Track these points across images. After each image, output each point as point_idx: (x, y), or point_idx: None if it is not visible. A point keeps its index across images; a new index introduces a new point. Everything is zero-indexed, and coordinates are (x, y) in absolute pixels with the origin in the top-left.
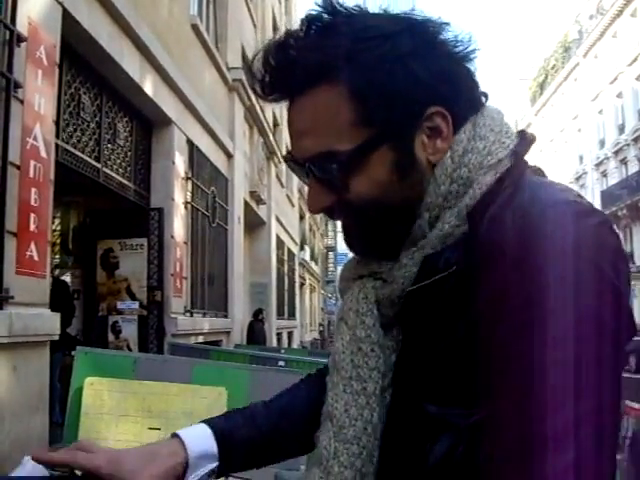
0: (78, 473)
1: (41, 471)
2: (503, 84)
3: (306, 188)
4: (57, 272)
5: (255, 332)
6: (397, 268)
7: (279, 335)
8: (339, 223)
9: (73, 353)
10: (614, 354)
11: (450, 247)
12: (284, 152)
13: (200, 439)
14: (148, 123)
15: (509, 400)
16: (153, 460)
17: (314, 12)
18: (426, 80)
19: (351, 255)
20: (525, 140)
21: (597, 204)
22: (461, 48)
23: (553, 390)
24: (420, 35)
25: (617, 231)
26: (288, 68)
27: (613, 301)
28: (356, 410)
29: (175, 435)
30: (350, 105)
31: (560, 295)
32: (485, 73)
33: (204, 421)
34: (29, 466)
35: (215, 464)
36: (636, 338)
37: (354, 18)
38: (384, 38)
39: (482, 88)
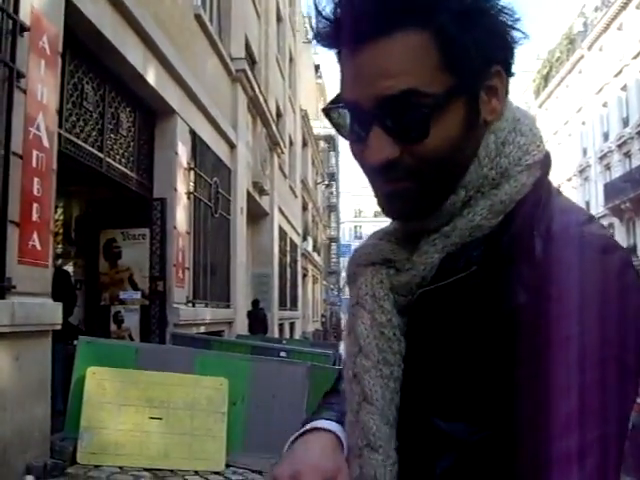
0: (79, 461)
1: None
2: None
3: (310, 179)
4: (59, 262)
5: (252, 321)
6: (417, 255)
7: (281, 326)
8: (342, 214)
9: (75, 343)
10: (623, 384)
11: (474, 243)
12: (287, 144)
13: (339, 427)
14: (151, 113)
15: (516, 422)
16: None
17: None
18: (497, 37)
19: (355, 246)
20: (549, 157)
21: (600, 197)
22: (511, 15)
23: (559, 417)
24: None
25: (633, 266)
26: (377, 7)
27: (625, 331)
28: (389, 394)
29: (321, 428)
30: (439, 48)
31: (572, 324)
32: None
33: (320, 418)
34: None
35: None
36: None
37: None
38: None
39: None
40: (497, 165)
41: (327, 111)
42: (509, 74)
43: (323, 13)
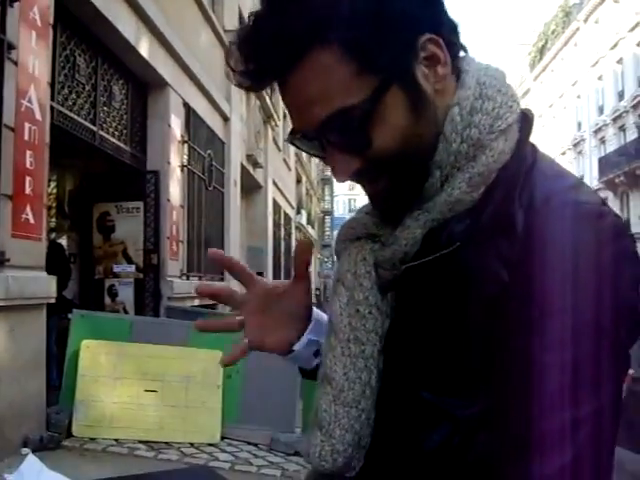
0: (75, 434)
1: (40, 467)
2: (502, 49)
3: (304, 153)
4: (53, 235)
5: None
6: (400, 230)
7: None
8: (336, 187)
9: (70, 316)
10: (614, 356)
11: (456, 218)
12: (281, 117)
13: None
14: (144, 86)
15: (510, 398)
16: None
17: None
18: (410, 10)
19: (349, 217)
20: (527, 118)
21: (595, 171)
22: None
23: (551, 391)
24: None
25: (628, 233)
26: (271, 47)
27: (614, 302)
28: (354, 373)
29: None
30: (348, 57)
31: (560, 297)
32: (484, 38)
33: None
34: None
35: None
36: None
37: None
38: None
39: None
40: (468, 137)
41: (291, 140)
42: (449, 31)
43: (237, 69)
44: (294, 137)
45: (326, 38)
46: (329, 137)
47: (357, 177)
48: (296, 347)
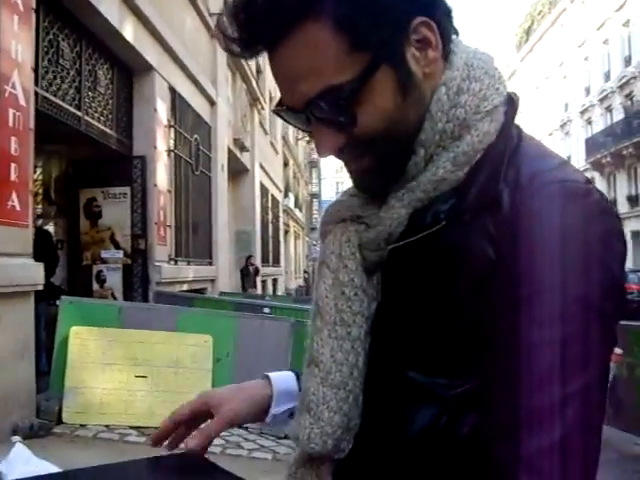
0: (65, 421)
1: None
2: (488, 30)
3: (290, 135)
4: (40, 222)
5: (244, 277)
6: (384, 210)
7: (264, 282)
8: (324, 170)
9: (58, 303)
10: (602, 333)
11: (441, 197)
12: (267, 100)
13: (285, 378)
14: (129, 70)
15: (498, 376)
16: (242, 390)
17: None
18: None
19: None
20: (513, 101)
21: (581, 152)
22: None
23: (540, 369)
24: None
25: (614, 211)
26: (264, 15)
27: (602, 279)
28: (342, 355)
29: (265, 376)
30: (339, 34)
31: (548, 274)
32: (470, 19)
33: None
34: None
35: (295, 404)
36: None
37: None
38: None
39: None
40: (454, 117)
41: (277, 112)
42: (443, 15)
43: (230, 36)
44: (281, 109)
45: (319, 12)
46: (316, 113)
47: (341, 153)
48: (267, 420)
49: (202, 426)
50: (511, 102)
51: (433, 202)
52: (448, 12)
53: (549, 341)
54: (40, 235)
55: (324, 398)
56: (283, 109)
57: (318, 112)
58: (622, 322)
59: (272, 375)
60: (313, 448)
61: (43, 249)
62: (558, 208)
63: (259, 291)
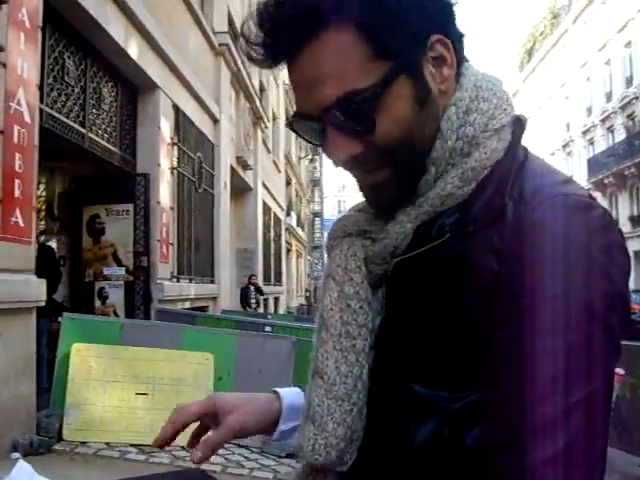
0: (65, 438)
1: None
2: (491, 50)
3: (293, 154)
4: (43, 238)
5: (243, 296)
6: (392, 224)
7: (265, 301)
8: (326, 189)
9: (60, 319)
10: (606, 342)
11: (446, 212)
12: (270, 119)
13: (293, 394)
14: (133, 88)
15: (501, 387)
16: (251, 401)
17: None
18: (426, 7)
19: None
20: (520, 121)
21: (584, 172)
22: None
23: (543, 378)
24: None
25: (616, 225)
26: (290, 20)
27: (605, 288)
28: (346, 367)
29: (273, 391)
30: (362, 41)
31: (551, 284)
32: (473, 39)
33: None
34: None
35: None
36: None
37: None
38: None
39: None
40: (463, 135)
41: (290, 125)
42: (456, 38)
43: (252, 40)
44: (295, 119)
45: (343, 19)
46: (334, 119)
47: (355, 164)
48: (274, 436)
49: (206, 436)
50: (519, 123)
51: (438, 216)
52: (461, 36)
53: (552, 350)
54: (43, 251)
55: (328, 410)
56: (297, 119)
57: (337, 118)
58: (624, 342)
59: (281, 391)
60: (317, 459)
61: (46, 265)
62: (561, 219)
63: (261, 309)
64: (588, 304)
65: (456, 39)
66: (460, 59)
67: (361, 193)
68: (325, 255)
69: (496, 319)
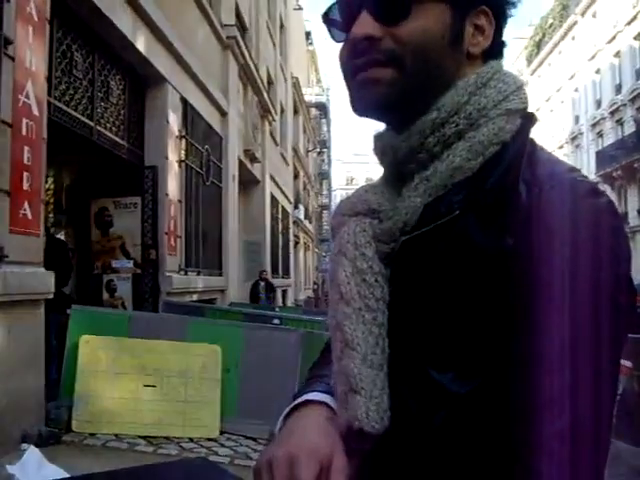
0: (74, 429)
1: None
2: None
3: (301, 146)
4: (53, 231)
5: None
6: (400, 200)
7: (273, 293)
8: (334, 181)
9: (68, 311)
10: (613, 321)
11: (455, 188)
12: (278, 111)
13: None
14: (141, 81)
15: (509, 366)
16: (338, 441)
17: None
18: None
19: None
20: (532, 116)
21: (592, 165)
22: None
23: (552, 353)
24: None
25: (621, 215)
26: None
27: (612, 266)
28: (373, 339)
29: (313, 401)
30: None
31: (561, 261)
32: None
33: (312, 390)
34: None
35: None
36: None
37: None
38: None
39: None
40: (475, 102)
41: (326, 13)
42: (500, 20)
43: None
44: (332, 3)
45: None
46: (372, 1)
47: (367, 46)
48: None
49: None
50: (530, 116)
51: (446, 193)
52: (505, 19)
53: (560, 327)
54: (55, 244)
55: (370, 378)
56: (334, 3)
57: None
58: (631, 335)
59: (329, 401)
60: (374, 426)
61: (58, 258)
62: (572, 202)
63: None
64: (597, 281)
65: (501, 22)
66: (497, 43)
67: (348, 93)
68: (330, 233)
69: (506, 297)
